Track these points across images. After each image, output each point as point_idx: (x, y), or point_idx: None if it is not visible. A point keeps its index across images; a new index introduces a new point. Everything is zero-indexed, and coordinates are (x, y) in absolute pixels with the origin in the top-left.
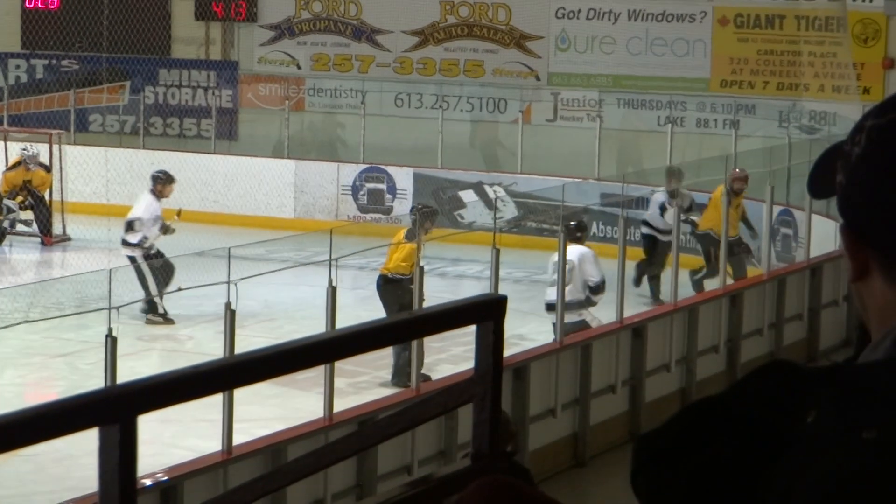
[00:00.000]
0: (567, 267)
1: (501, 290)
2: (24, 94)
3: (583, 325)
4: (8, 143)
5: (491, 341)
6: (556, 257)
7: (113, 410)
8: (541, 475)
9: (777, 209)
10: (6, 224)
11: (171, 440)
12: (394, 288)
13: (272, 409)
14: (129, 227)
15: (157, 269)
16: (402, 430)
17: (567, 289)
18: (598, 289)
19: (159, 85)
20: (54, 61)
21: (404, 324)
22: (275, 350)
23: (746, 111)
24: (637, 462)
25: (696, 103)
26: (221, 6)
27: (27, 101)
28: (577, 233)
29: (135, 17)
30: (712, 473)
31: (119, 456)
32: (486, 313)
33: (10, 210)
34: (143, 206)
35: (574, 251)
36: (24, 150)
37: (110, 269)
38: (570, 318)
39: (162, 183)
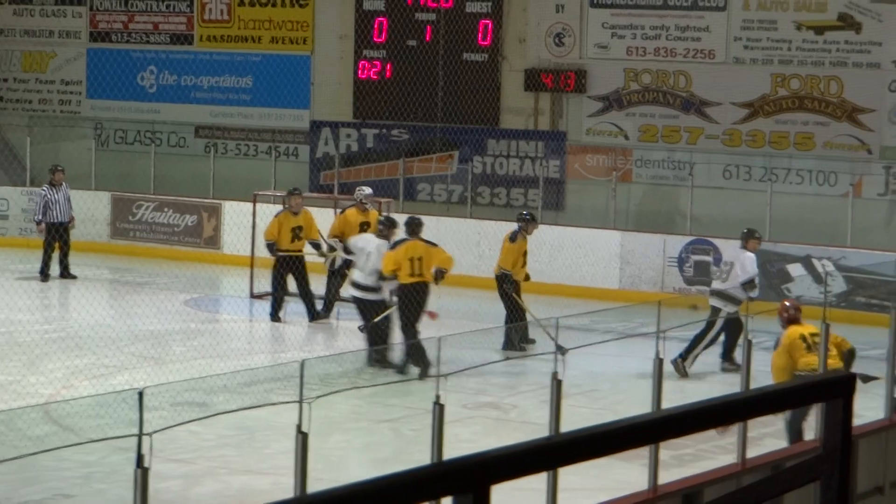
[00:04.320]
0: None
1: None
2: (355, 162)
3: None
4: (338, 210)
5: (840, 419)
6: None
7: (468, 479)
8: None
9: None
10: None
11: None
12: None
13: (594, 480)
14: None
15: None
16: None
17: None
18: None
19: (487, 154)
20: (384, 130)
21: (749, 401)
22: (629, 424)
23: None
24: None
25: None
26: (551, 77)
27: (357, 170)
28: None
29: (466, 87)
30: None
31: None
32: (836, 391)
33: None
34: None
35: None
36: (359, 189)
37: (440, 338)
38: None
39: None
